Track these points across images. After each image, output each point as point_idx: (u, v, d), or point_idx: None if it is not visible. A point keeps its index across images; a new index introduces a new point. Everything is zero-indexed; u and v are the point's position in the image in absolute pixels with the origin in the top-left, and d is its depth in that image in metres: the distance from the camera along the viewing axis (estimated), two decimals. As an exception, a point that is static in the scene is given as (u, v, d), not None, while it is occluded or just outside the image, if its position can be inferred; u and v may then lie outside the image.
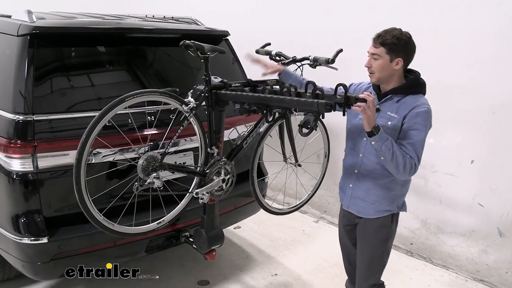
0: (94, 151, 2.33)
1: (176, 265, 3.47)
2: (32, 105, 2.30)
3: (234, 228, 4.08)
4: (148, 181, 2.10)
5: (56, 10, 3.34)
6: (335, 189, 3.23)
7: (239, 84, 2.45)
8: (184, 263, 3.50)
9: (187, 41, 2.21)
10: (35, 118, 2.29)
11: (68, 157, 2.35)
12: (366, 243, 2.36)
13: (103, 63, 2.80)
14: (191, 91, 2.32)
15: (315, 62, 2.61)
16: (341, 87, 1.99)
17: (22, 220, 2.31)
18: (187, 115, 2.25)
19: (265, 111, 2.20)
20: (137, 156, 2.16)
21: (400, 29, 2.13)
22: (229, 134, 2.87)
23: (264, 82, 2.57)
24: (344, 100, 2.00)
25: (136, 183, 2.11)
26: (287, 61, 2.71)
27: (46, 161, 2.31)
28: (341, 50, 2.52)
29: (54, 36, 2.53)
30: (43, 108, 2.33)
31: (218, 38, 3.22)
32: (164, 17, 3.58)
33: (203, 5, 4.90)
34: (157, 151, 2.21)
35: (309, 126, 1.90)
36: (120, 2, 5.48)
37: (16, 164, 2.26)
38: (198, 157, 2.46)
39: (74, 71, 2.61)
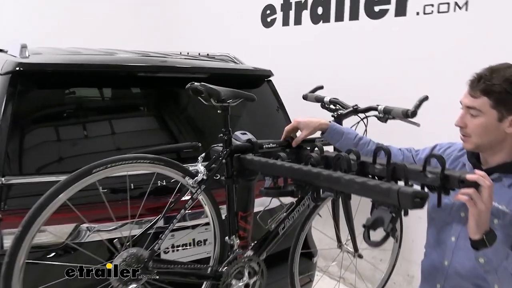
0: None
1: None
2: (3, 163, 1.67)
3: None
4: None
5: (93, 46, 2.82)
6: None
7: (274, 145, 1.70)
8: None
9: (195, 84, 1.51)
10: (4, 182, 1.65)
11: (45, 234, 1.66)
12: None
13: (105, 109, 2.16)
14: (201, 155, 1.59)
15: (386, 114, 1.82)
16: (433, 158, 1.19)
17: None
18: (193, 191, 1.52)
19: (309, 192, 1.41)
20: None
21: None
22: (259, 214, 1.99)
23: (311, 142, 1.80)
24: (440, 181, 1.19)
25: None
26: (345, 111, 1.94)
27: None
28: (426, 98, 1.72)
29: (44, 75, 1.93)
30: (17, 168, 1.69)
31: (258, 79, 2.51)
32: (199, 54, 2.98)
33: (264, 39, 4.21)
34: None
35: (384, 229, 1.10)
36: (171, 38, 5.00)
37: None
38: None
39: (66, 119, 1.99)
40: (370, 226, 1.14)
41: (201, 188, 1.52)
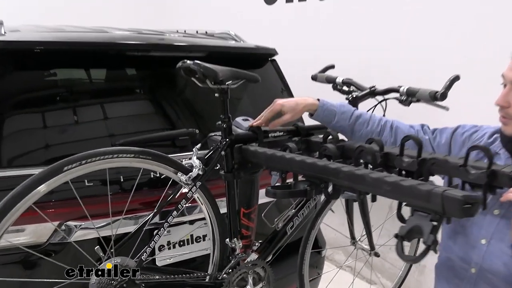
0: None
1: None
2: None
3: None
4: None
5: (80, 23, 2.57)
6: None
7: (281, 133, 1.47)
8: None
9: (188, 62, 1.27)
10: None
11: (24, 234, 1.45)
12: None
13: (93, 92, 1.92)
14: (197, 146, 1.36)
15: (409, 97, 1.58)
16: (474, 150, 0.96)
17: None
18: (187, 189, 1.29)
19: (324, 188, 1.17)
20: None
21: None
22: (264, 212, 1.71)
23: (323, 128, 1.57)
24: (487, 178, 0.97)
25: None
26: (361, 93, 1.70)
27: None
28: (457, 78, 1.47)
29: (22, 55, 1.68)
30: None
31: (261, 58, 2.26)
32: (197, 32, 2.73)
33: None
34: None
35: (424, 242, 0.88)
36: (166, 15, 4.70)
37: None
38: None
39: (48, 105, 1.74)
40: (404, 237, 0.91)
41: (196, 185, 1.29)
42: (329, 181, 1.10)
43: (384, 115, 1.67)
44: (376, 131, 1.41)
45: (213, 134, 1.43)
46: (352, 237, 1.89)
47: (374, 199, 1.06)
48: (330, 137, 1.32)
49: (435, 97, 1.45)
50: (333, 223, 1.96)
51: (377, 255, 1.84)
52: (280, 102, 1.41)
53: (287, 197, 1.33)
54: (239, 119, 1.52)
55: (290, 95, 2.25)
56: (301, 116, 1.45)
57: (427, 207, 0.89)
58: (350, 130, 1.42)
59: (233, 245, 1.44)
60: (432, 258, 1.34)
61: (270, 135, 1.44)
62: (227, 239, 1.46)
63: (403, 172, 1.15)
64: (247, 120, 1.54)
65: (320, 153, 1.21)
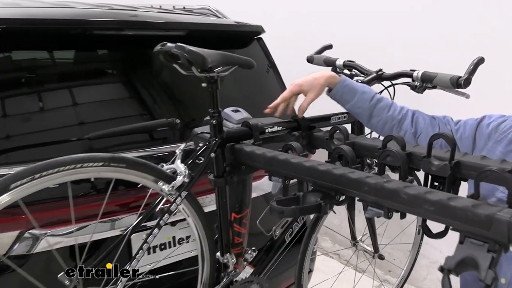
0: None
1: None
2: None
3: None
4: None
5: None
6: (402, 238, 1.98)
7: (280, 127, 1.25)
8: None
9: (168, 45, 1.02)
10: None
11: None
12: None
13: (55, 77, 1.64)
14: (180, 147, 1.12)
15: (424, 83, 1.37)
16: None
17: None
18: (171, 199, 1.06)
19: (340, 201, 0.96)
20: None
21: None
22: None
23: (327, 120, 1.36)
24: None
25: None
26: (367, 78, 1.49)
27: None
28: (482, 60, 1.27)
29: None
30: None
31: (246, 37, 2.02)
32: (174, 7, 2.46)
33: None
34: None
35: (481, 278, 0.68)
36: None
37: None
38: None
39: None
40: (453, 270, 0.72)
41: (181, 196, 1.06)
42: (349, 194, 0.89)
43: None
44: (397, 118, 1.23)
45: (199, 131, 1.19)
46: (353, 237, 1.70)
47: (403, 216, 0.86)
48: (338, 129, 1.12)
49: (458, 84, 1.25)
50: (329, 223, 1.77)
51: (381, 257, 1.67)
52: (296, 83, 1.24)
53: (297, 215, 1.12)
54: (228, 110, 1.30)
55: (279, 79, 2.02)
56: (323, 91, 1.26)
57: (486, 235, 0.69)
58: (368, 114, 1.23)
59: (225, 261, 1.23)
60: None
61: (267, 130, 1.22)
62: (218, 253, 1.24)
63: (429, 177, 0.96)
64: (238, 111, 1.32)
65: (332, 156, 0.99)
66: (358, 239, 1.72)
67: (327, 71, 1.27)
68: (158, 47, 1.05)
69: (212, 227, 1.23)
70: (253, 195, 1.46)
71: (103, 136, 1.43)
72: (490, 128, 1.14)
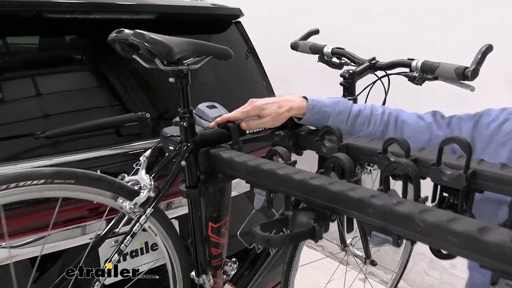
0: None
1: None
2: None
3: None
4: None
5: None
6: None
7: (262, 128, 1.08)
8: None
9: (126, 32, 0.83)
10: None
11: None
12: None
13: (12, 66, 1.43)
14: (145, 155, 0.95)
15: (424, 73, 1.22)
16: None
17: None
18: (134, 218, 0.89)
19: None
20: None
21: None
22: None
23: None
24: None
25: None
26: (359, 67, 1.33)
27: None
28: (490, 48, 1.13)
29: None
30: None
31: (223, 21, 1.84)
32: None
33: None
34: None
35: None
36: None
37: None
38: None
39: None
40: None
41: (147, 214, 0.89)
42: (349, 215, 0.73)
43: (386, 96, 1.33)
44: (378, 130, 1.07)
45: (169, 134, 1.01)
46: (343, 241, 1.56)
47: (414, 243, 0.71)
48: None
49: (464, 75, 1.10)
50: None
51: (373, 263, 1.54)
52: (258, 104, 1.03)
53: (287, 244, 0.96)
54: (202, 106, 1.12)
55: (260, 68, 1.85)
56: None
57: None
58: (347, 133, 1.07)
59: (201, 282, 1.07)
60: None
61: (247, 131, 1.05)
62: (193, 273, 1.08)
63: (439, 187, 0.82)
64: (214, 107, 1.14)
65: (326, 165, 0.83)
66: (348, 243, 1.58)
67: (293, 98, 1.07)
68: (113, 34, 0.85)
69: (184, 246, 1.07)
70: (233, 193, 1.31)
71: (62, 134, 1.24)
72: (491, 129, 0.99)
